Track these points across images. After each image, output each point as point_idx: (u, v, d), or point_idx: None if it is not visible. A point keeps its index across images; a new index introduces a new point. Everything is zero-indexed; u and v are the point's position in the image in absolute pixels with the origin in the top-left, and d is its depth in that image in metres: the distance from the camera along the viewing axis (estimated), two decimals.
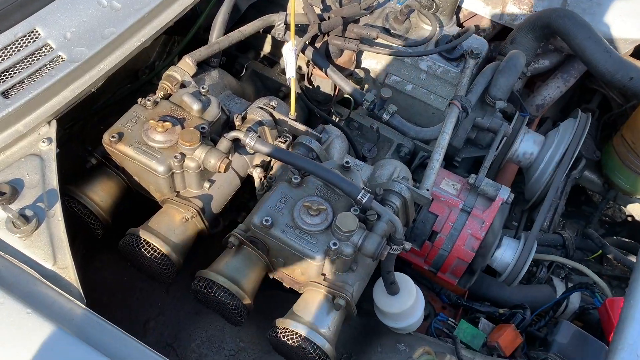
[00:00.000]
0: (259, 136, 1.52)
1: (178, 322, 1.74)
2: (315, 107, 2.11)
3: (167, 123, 1.49)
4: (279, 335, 1.42)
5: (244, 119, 1.68)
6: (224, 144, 1.53)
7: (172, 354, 1.69)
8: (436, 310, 2.11)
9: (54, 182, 1.40)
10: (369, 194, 1.43)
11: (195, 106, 1.56)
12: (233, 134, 1.54)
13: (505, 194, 1.83)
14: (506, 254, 1.92)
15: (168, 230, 1.53)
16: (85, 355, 1.14)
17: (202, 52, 1.76)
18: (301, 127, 1.70)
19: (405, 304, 1.57)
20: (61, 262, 1.30)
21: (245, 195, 1.86)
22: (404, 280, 1.60)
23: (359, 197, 1.42)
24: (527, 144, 2.17)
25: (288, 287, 1.64)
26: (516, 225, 2.38)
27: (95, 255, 1.85)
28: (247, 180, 1.76)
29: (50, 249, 1.31)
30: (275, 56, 2.35)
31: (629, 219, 2.88)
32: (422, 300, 1.62)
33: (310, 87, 2.17)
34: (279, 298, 1.79)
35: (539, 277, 2.32)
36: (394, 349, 1.69)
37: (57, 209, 1.36)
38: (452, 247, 1.84)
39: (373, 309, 1.70)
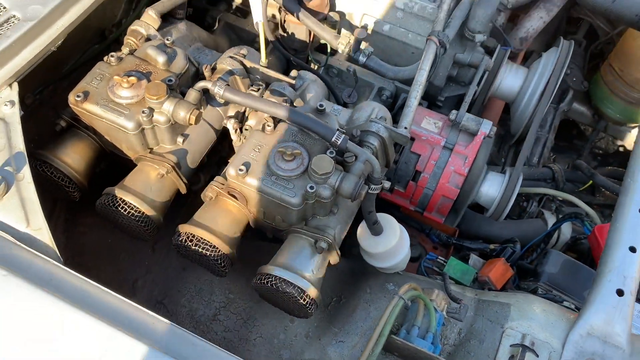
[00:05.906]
0: (227, 85, 1.47)
1: (166, 279, 1.74)
2: (292, 55, 2.05)
3: (132, 78, 1.45)
4: (263, 281, 1.41)
5: (213, 69, 1.63)
6: (192, 95, 1.49)
7: (162, 310, 1.69)
8: (427, 251, 2.11)
9: (20, 145, 1.36)
10: (343, 135, 1.40)
11: (160, 58, 1.52)
12: (201, 84, 1.50)
13: (487, 127, 1.80)
14: (492, 189, 1.89)
15: (144, 187, 1.51)
16: (66, 312, 1.13)
17: (164, 4, 1.70)
18: (273, 74, 1.65)
19: (390, 243, 1.55)
20: (34, 224, 1.28)
21: (225, 150, 1.83)
22: (387, 220, 1.58)
23: (333, 138, 1.39)
24: (509, 78, 2.12)
25: (271, 236, 1.63)
26: (503, 161, 2.35)
27: (79, 219, 1.84)
28: (227, 134, 1.72)
29: (22, 212, 1.29)
30: (247, 7, 2.27)
31: (621, 149, 2.85)
32: (406, 238, 1.60)
33: (285, 34, 2.10)
34: (265, 249, 1.77)
35: (530, 212, 2.30)
36: (383, 289, 1.69)
37: (26, 172, 1.33)
38: (437, 186, 1.82)
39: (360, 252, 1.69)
